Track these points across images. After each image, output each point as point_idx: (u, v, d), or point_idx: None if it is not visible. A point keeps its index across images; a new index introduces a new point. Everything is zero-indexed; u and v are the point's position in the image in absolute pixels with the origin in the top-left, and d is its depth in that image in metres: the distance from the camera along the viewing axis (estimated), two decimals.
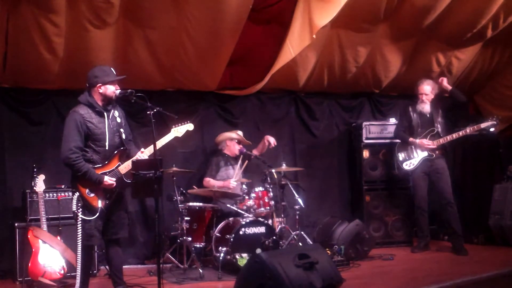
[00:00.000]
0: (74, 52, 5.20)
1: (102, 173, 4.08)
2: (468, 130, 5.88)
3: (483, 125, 5.82)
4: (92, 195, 4.06)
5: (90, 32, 5.04)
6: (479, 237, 6.48)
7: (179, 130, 4.56)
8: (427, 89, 6.03)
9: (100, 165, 4.11)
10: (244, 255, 5.10)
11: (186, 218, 5.32)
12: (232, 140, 6.15)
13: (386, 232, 6.63)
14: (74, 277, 4.94)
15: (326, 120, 7.19)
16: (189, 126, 4.61)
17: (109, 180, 4.07)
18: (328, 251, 5.29)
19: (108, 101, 4.17)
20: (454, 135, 5.91)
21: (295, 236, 5.72)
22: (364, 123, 6.77)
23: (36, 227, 4.85)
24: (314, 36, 5.43)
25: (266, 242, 5.19)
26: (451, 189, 5.96)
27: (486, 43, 6.96)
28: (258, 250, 4.38)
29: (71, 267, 4.91)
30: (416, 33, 6.40)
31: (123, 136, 4.25)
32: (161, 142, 4.37)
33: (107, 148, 4.13)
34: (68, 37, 5.03)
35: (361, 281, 4.75)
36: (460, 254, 5.80)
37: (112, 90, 4.14)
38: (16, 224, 5.04)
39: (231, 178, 6.01)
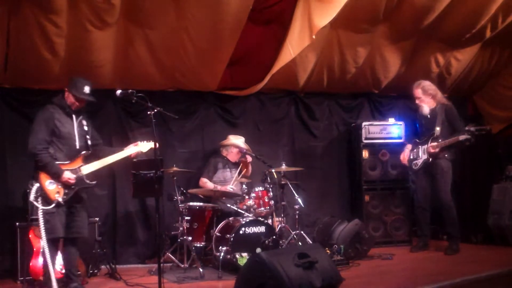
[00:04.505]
0: (74, 52, 5.22)
1: (65, 169, 4.27)
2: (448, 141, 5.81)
3: (461, 138, 5.72)
4: (51, 187, 4.22)
5: (90, 33, 5.06)
6: (477, 236, 6.51)
7: (144, 146, 4.69)
8: (417, 92, 6.05)
9: (63, 162, 4.31)
10: (244, 254, 5.12)
11: (186, 218, 5.35)
12: (238, 148, 6.14)
13: (385, 231, 6.66)
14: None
15: (325, 120, 7.21)
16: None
17: (68, 175, 4.26)
18: (328, 251, 5.32)
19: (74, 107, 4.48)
20: (442, 143, 5.85)
21: (295, 236, 5.75)
22: (364, 123, 6.79)
23: (37, 226, 4.85)
24: (314, 36, 5.45)
25: (266, 241, 5.21)
26: (449, 191, 5.90)
27: (485, 44, 6.97)
28: (258, 250, 4.42)
29: None
30: (415, 33, 6.41)
31: (89, 142, 4.50)
32: (121, 155, 4.59)
33: (72, 147, 4.38)
34: (68, 37, 5.05)
35: (360, 281, 4.76)
36: (446, 253, 5.80)
37: (72, 101, 4.43)
38: (17, 224, 5.06)
39: (228, 181, 6.04)
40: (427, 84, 6.07)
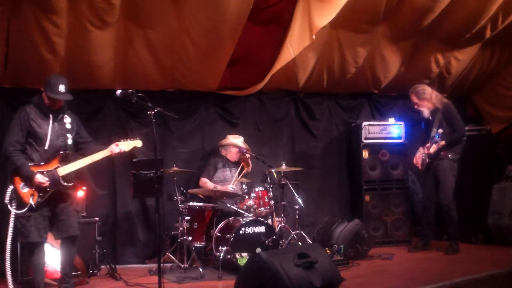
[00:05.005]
0: (74, 52, 5.23)
1: (38, 172, 4.20)
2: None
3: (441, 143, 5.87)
4: (25, 190, 4.18)
5: (90, 33, 5.06)
6: (477, 236, 6.51)
7: (126, 145, 4.53)
8: (413, 98, 6.08)
9: (39, 164, 4.25)
10: (244, 254, 5.12)
11: (186, 218, 5.34)
12: (237, 147, 6.15)
13: (385, 231, 6.66)
14: (76, 276, 5.00)
15: (325, 120, 7.21)
16: (137, 143, 4.59)
17: (40, 178, 4.17)
18: (328, 251, 5.32)
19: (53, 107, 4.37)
20: (434, 146, 5.90)
21: (294, 236, 5.75)
22: (364, 123, 6.80)
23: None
24: (313, 36, 5.46)
25: (266, 241, 5.21)
26: (449, 193, 5.90)
27: (485, 44, 6.97)
28: (258, 250, 4.42)
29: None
30: (415, 33, 6.42)
31: (69, 141, 4.39)
32: (101, 155, 4.45)
33: (46, 148, 4.28)
34: (69, 37, 5.06)
35: (360, 281, 4.77)
36: (446, 253, 5.82)
37: (47, 101, 4.34)
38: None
39: (228, 181, 6.05)
40: (420, 88, 6.06)
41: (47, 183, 4.19)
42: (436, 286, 4.36)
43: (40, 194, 4.20)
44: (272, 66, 6.09)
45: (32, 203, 4.15)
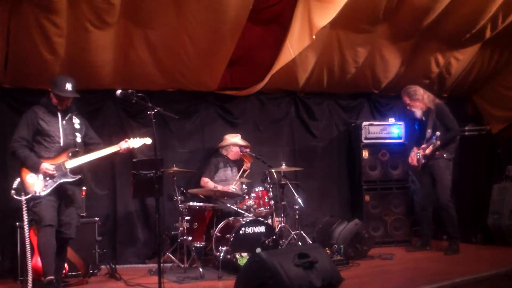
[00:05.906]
0: (75, 52, 5.22)
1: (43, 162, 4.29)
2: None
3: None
4: (32, 181, 4.25)
5: (91, 33, 5.06)
6: (477, 236, 6.51)
7: (135, 143, 4.63)
8: (405, 99, 6.12)
9: (47, 157, 4.33)
10: (244, 254, 5.13)
11: (186, 218, 5.35)
12: (237, 146, 6.17)
13: (385, 231, 6.67)
14: (76, 276, 5.01)
15: (325, 120, 7.21)
16: (147, 140, 4.70)
17: (47, 165, 4.25)
18: (328, 251, 5.32)
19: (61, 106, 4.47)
20: (427, 147, 5.93)
21: (294, 236, 5.75)
22: (364, 123, 6.80)
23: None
24: (313, 36, 5.46)
25: (266, 241, 5.22)
26: (447, 192, 5.92)
27: (485, 44, 6.98)
28: (258, 250, 4.41)
29: (72, 266, 4.95)
30: (415, 33, 6.42)
31: (78, 139, 4.47)
32: (109, 150, 4.52)
33: (57, 144, 4.37)
34: (69, 37, 5.05)
35: (360, 281, 4.77)
36: (446, 253, 5.83)
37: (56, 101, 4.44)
38: (17, 224, 5.05)
39: (229, 180, 6.06)
40: (412, 89, 6.09)
41: (53, 171, 4.26)
42: (436, 286, 4.37)
43: (46, 184, 4.26)
44: (272, 66, 6.09)
45: (37, 190, 4.21)
